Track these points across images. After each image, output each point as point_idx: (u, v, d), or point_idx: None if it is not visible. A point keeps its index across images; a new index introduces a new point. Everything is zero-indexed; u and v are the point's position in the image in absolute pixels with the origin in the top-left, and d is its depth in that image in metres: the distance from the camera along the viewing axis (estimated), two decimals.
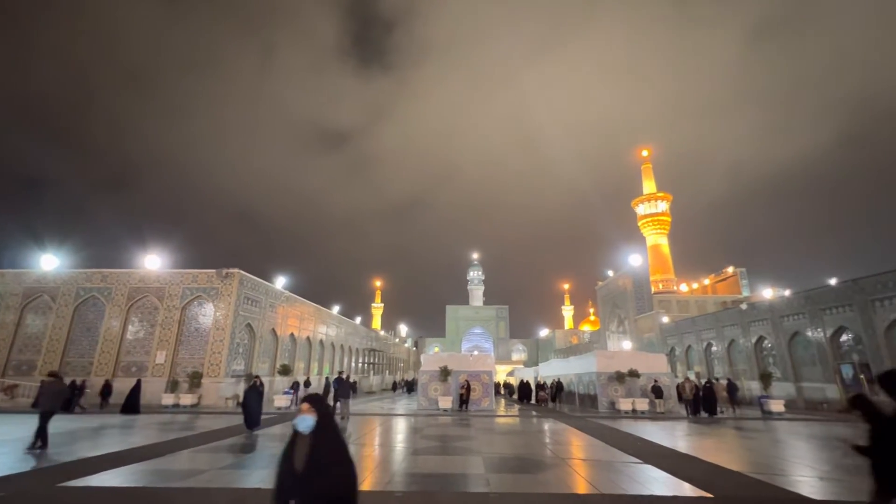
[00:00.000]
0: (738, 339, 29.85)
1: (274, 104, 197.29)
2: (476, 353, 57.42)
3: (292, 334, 30.01)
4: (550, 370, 33.24)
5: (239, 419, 16.27)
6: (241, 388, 22.76)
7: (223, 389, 21.84)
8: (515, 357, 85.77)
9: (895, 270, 19.49)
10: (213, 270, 23.55)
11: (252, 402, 13.37)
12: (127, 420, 15.91)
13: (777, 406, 19.75)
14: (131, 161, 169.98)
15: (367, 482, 7.51)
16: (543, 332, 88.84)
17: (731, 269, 55.58)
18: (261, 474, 7.72)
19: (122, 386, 20.67)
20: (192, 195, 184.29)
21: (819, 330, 23.32)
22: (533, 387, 30.68)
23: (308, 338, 32.64)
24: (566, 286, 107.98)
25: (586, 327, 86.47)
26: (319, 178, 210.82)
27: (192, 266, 24.39)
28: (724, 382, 22.57)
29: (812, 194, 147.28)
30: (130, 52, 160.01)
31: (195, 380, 21.14)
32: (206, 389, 21.50)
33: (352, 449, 10.57)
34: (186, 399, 20.47)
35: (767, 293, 44.62)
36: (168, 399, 20.47)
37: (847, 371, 21.93)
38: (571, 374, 27.31)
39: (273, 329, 27.41)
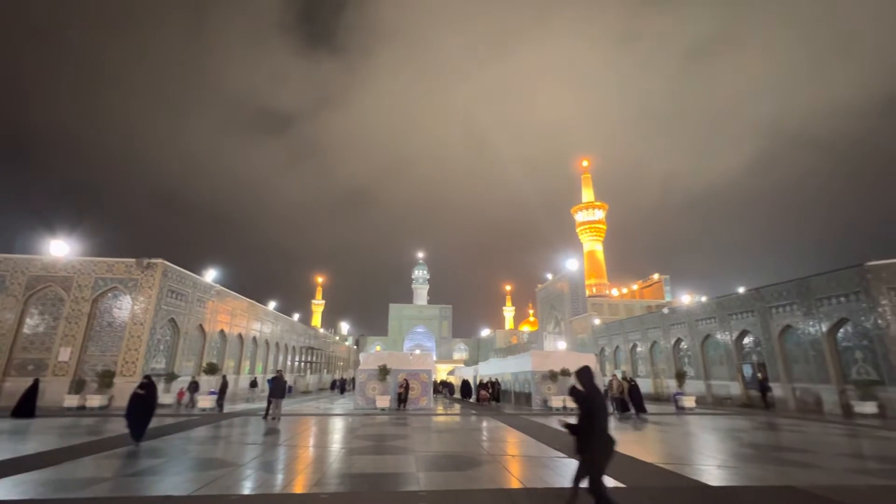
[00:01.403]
0: (659, 340, 32.35)
1: (206, 77, 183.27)
2: (418, 351, 57.50)
3: (222, 331, 28.26)
4: (489, 369, 34.04)
5: (155, 421, 15.06)
6: (160, 388, 21.12)
7: None
8: (457, 356, 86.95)
9: (788, 281, 22.11)
10: (133, 260, 21.58)
11: (137, 409, 10.63)
12: (19, 424, 14.13)
13: (689, 402, 21.63)
14: (32, 129, 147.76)
15: (294, 484, 7.26)
16: (485, 332, 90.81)
17: (656, 276, 60.17)
18: (173, 480, 7.18)
19: (15, 386, 18.32)
20: (108, 173, 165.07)
21: (727, 333, 25.89)
22: (474, 386, 31.21)
23: (240, 335, 30.92)
24: (508, 287, 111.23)
25: (526, 328, 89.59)
26: (258, 163, 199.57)
27: (108, 254, 22.20)
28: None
29: (729, 210, 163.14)
30: (33, 3, 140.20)
31: (106, 379, 19.24)
32: (118, 390, 19.62)
33: (282, 450, 10.22)
34: (94, 400, 18.58)
35: (686, 299, 48.82)
36: (72, 401, 18.47)
37: (748, 370, 24.53)
38: (508, 373, 28.14)
39: (201, 325, 25.63)
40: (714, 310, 27.09)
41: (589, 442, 4.66)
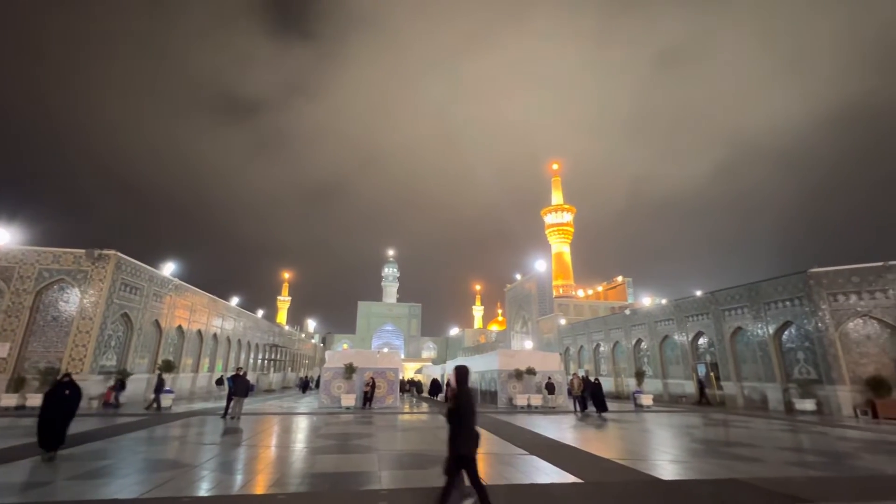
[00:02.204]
0: (621, 340, 33.47)
1: (166, 57, 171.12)
2: (386, 349, 57.08)
3: (180, 326, 27.09)
4: None
5: (101, 420, 14.30)
6: (107, 387, 20.07)
7: (87, 387, 18.94)
8: (425, 355, 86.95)
9: (740, 286, 23.37)
10: (83, 250, 20.34)
11: (53, 412, 8.71)
12: None
13: (647, 400, 22.50)
14: None
15: (252, 484, 7.05)
16: (454, 331, 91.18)
17: (620, 278, 62.23)
18: (121, 483, 6.83)
19: None
20: (56, 157, 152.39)
21: (684, 334, 27.09)
22: (444, 384, 31.24)
23: (199, 331, 29.72)
24: (478, 287, 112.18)
25: (494, 327, 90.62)
26: (223, 151, 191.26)
27: (55, 244, 20.80)
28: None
29: (693, 214, 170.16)
30: None
31: (49, 377, 18.01)
32: None
33: (241, 450, 9.90)
34: (35, 400, 17.36)
35: (647, 301, 50.69)
36: (10, 400, 17.25)
37: (701, 369, 25.75)
38: (475, 372, 28.36)
39: (157, 320, 24.46)
40: (672, 312, 28.28)
41: (454, 437, 4.99)
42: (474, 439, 5.04)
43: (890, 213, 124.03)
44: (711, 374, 24.88)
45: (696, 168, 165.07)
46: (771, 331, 21.28)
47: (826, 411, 18.47)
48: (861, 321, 18.83)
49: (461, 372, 5.34)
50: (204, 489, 6.65)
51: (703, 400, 23.79)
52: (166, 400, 18.78)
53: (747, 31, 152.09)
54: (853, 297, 18.94)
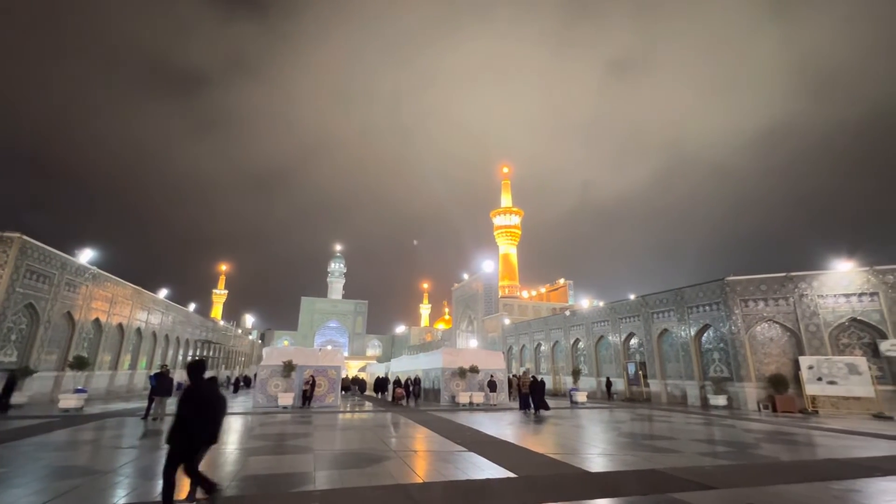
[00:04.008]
0: (560, 340, 34.97)
1: (87, 16, 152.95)
2: (330, 347, 55.58)
3: (98, 320, 24.71)
4: (401, 366, 34.07)
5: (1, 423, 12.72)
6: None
7: None
8: (370, 352, 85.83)
9: (667, 291, 25.23)
10: None
11: None
12: None
13: (581, 397, 23.67)
14: None
15: (174, 489, 6.55)
16: (400, 329, 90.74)
17: (562, 281, 64.97)
18: (14, 493, 6.09)
19: None
20: None
21: (617, 335, 28.80)
22: (391, 383, 30.86)
23: (121, 325, 27.31)
24: (426, 286, 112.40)
25: (441, 325, 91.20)
26: (156, 128, 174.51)
27: None
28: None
29: (632, 220, 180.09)
30: None
31: None
32: None
33: (163, 454, 9.16)
34: None
35: (585, 303, 53.35)
36: None
37: (632, 368, 27.51)
38: (420, 370, 28.41)
39: (69, 312, 22.14)
40: (608, 314, 29.96)
41: (172, 432, 4.91)
42: (193, 436, 4.89)
43: (799, 227, 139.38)
44: (640, 371, 26.66)
45: (637, 175, 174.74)
46: (692, 332, 23.18)
47: (735, 406, 20.43)
48: (766, 325, 21.02)
49: (193, 367, 5.20)
50: (117, 497, 6.09)
51: (609, 396, 26.21)
52: (76, 400, 17.03)
53: (689, 46, 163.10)
54: (761, 304, 21.09)
